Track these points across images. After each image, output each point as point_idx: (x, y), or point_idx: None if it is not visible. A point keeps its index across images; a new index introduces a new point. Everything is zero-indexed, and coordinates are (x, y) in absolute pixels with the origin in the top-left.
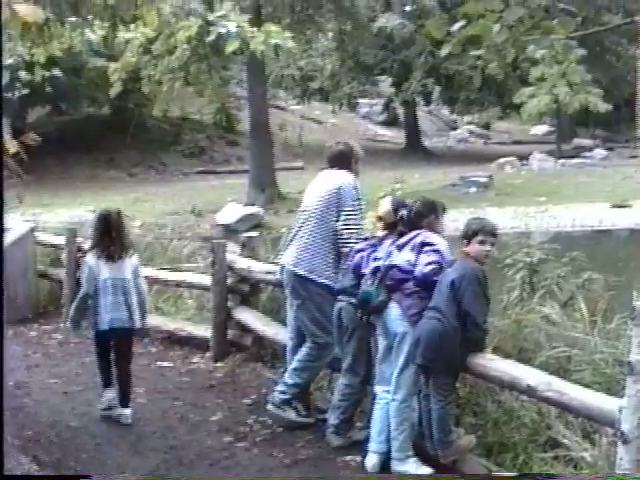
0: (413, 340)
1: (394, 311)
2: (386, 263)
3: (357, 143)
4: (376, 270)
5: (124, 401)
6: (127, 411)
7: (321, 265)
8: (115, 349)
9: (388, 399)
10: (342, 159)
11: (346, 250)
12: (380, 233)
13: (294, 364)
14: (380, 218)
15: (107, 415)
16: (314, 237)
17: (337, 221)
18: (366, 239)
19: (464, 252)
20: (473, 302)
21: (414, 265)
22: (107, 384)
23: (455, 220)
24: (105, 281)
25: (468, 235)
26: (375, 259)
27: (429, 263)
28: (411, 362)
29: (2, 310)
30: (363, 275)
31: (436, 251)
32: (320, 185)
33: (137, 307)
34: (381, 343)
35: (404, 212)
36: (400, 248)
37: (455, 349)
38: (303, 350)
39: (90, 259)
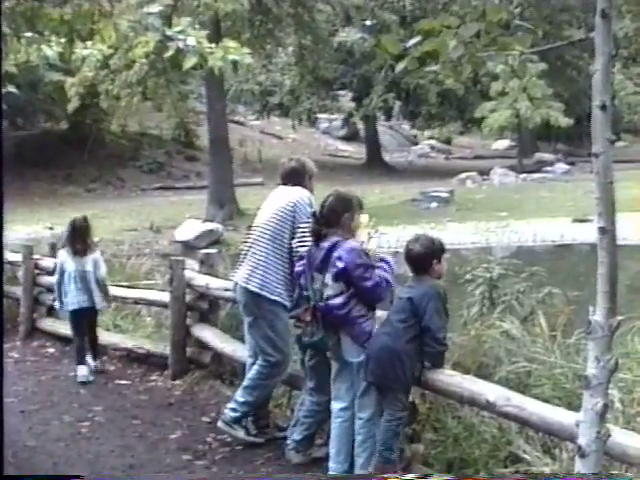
0: (365, 356)
1: (346, 344)
2: (321, 304)
3: (310, 160)
4: (313, 310)
5: (94, 356)
6: (91, 362)
7: (273, 282)
8: (85, 323)
9: (344, 417)
10: (295, 176)
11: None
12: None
13: (245, 382)
14: None
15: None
16: (266, 254)
17: (292, 238)
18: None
19: (432, 270)
20: (434, 317)
21: (343, 292)
22: (80, 361)
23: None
24: (71, 272)
25: (438, 254)
26: (301, 277)
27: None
28: (363, 380)
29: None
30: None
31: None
32: (273, 202)
33: (97, 292)
34: (334, 365)
35: (315, 211)
36: (320, 270)
37: (405, 365)
38: (254, 368)
39: (61, 255)
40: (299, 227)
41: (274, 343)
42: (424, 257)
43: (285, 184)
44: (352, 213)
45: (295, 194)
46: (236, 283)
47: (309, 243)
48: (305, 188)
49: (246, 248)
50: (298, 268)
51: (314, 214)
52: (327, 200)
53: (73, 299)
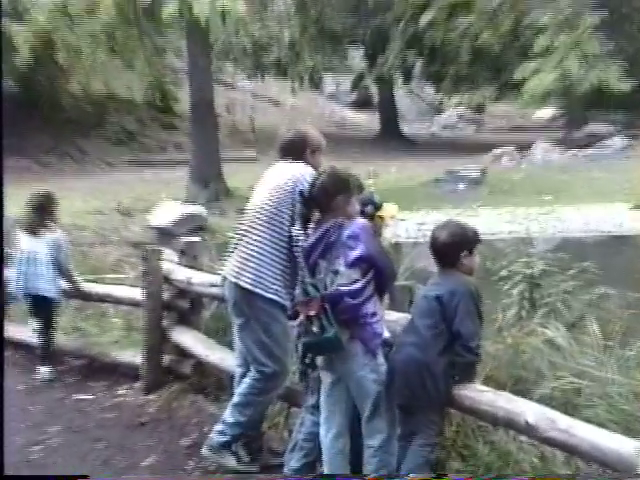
0: (386, 375)
1: (353, 349)
2: (331, 290)
3: (315, 130)
4: (321, 301)
5: (45, 362)
6: (43, 369)
7: (269, 277)
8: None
9: (339, 447)
10: (294, 150)
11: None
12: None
13: (235, 398)
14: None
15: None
16: (261, 243)
17: (291, 224)
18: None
19: (460, 264)
20: (465, 320)
21: (358, 280)
22: (42, 361)
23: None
24: (24, 253)
25: (470, 244)
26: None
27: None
28: (386, 402)
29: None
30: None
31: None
32: (270, 180)
33: (52, 278)
34: (326, 377)
35: (302, 189)
36: (324, 256)
37: (438, 380)
38: (246, 381)
39: (19, 233)
40: None
41: (269, 350)
42: (452, 247)
43: (284, 159)
44: (347, 196)
45: (296, 171)
46: (224, 277)
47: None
48: (307, 164)
49: (237, 236)
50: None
51: (301, 193)
52: (318, 178)
53: (25, 283)
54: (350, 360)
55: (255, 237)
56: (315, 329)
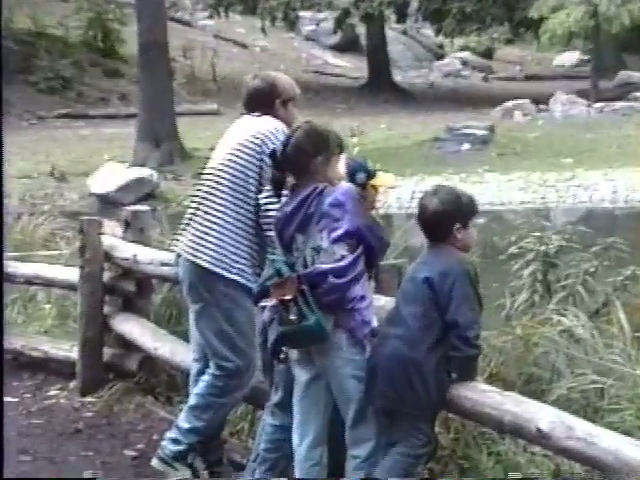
0: (366, 373)
1: (337, 341)
2: (309, 270)
3: (287, 77)
4: (298, 282)
5: None
6: None
7: (231, 254)
8: None
9: (316, 458)
10: (261, 101)
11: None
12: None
13: (192, 400)
14: None
15: None
16: (223, 214)
17: (258, 191)
18: None
19: (454, 238)
20: (462, 307)
21: (344, 257)
22: None
23: None
24: None
25: (465, 215)
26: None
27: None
28: (368, 404)
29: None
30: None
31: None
32: (233, 138)
33: None
34: (301, 374)
35: (275, 148)
36: (302, 229)
37: (428, 381)
38: (205, 379)
39: None
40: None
41: (232, 342)
42: (444, 219)
43: (250, 112)
44: (327, 156)
45: (263, 126)
46: (178, 255)
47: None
48: (276, 117)
49: (193, 205)
50: (271, 233)
51: (273, 154)
52: (292, 135)
53: None
54: (333, 354)
55: (215, 206)
56: (292, 316)
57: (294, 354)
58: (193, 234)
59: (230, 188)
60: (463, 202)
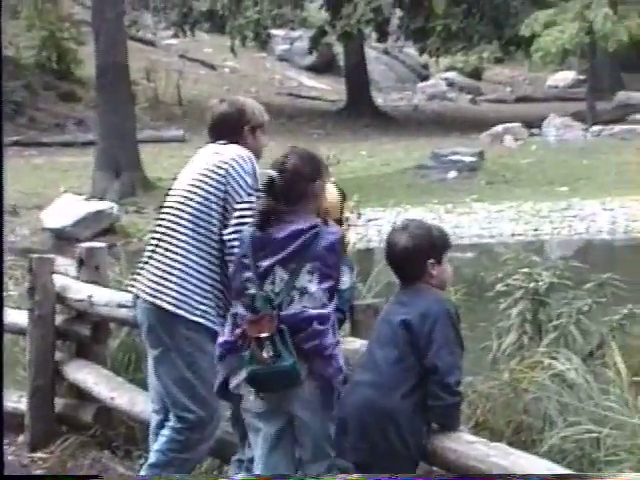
0: (337, 425)
1: (314, 390)
2: (292, 311)
3: (253, 101)
4: (278, 322)
5: None
6: None
7: (195, 295)
8: None
9: None
10: (227, 128)
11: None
12: None
13: (152, 457)
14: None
15: None
16: (185, 250)
17: (223, 226)
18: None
19: (428, 276)
20: (442, 351)
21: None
22: None
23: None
24: None
25: (438, 250)
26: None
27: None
28: (337, 458)
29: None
30: (236, 317)
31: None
32: (195, 168)
33: None
34: (269, 426)
35: (272, 175)
36: (287, 263)
37: (404, 431)
38: (165, 434)
39: None
40: (235, 208)
41: (193, 391)
42: (415, 255)
43: (215, 139)
44: (322, 181)
45: (228, 154)
46: (136, 296)
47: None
48: (244, 145)
49: (153, 242)
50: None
51: (271, 182)
52: (286, 161)
53: None
54: (306, 404)
55: (176, 242)
56: (265, 354)
57: (258, 405)
58: (153, 273)
59: (192, 222)
60: (435, 236)
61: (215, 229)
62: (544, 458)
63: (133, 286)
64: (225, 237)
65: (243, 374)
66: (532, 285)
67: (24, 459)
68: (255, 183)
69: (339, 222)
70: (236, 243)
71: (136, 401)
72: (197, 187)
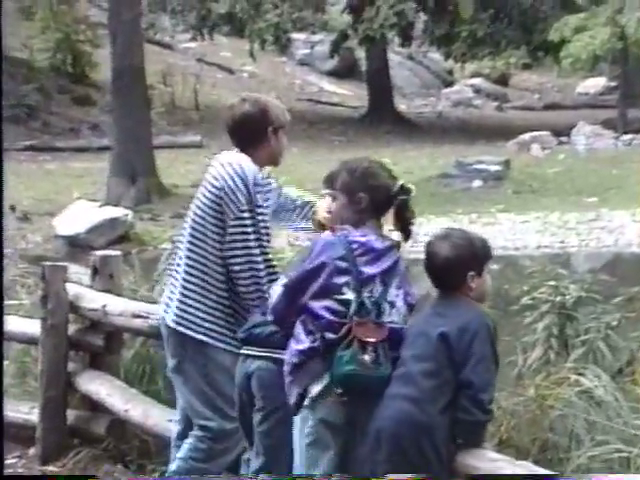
0: (371, 436)
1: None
2: (384, 320)
3: (277, 101)
4: (390, 334)
5: None
6: None
7: (196, 312)
8: None
9: None
10: (249, 129)
11: (243, 290)
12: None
13: (173, 465)
14: (322, 225)
15: None
16: (187, 266)
17: (220, 240)
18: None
19: (467, 287)
20: (479, 367)
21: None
22: None
23: None
24: None
25: (479, 261)
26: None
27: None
28: (372, 469)
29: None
30: (317, 320)
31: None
32: (204, 179)
33: None
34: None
35: (362, 195)
36: (385, 277)
37: (439, 447)
38: (188, 442)
39: None
40: (231, 222)
41: (213, 402)
42: (456, 266)
43: (237, 142)
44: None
45: (226, 165)
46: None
47: (244, 252)
48: (267, 147)
49: (173, 254)
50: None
51: (359, 200)
52: (377, 175)
53: None
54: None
55: (179, 260)
56: (368, 358)
57: (343, 417)
58: (168, 289)
59: (190, 237)
60: (477, 247)
61: (211, 244)
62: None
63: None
64: (224, 253)
65: (326, 379)
66: (559, 299)
67: (35, 472)
68: (249, 196)
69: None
70: (233, 263)
71: (150, 413)
72: (198, 201)
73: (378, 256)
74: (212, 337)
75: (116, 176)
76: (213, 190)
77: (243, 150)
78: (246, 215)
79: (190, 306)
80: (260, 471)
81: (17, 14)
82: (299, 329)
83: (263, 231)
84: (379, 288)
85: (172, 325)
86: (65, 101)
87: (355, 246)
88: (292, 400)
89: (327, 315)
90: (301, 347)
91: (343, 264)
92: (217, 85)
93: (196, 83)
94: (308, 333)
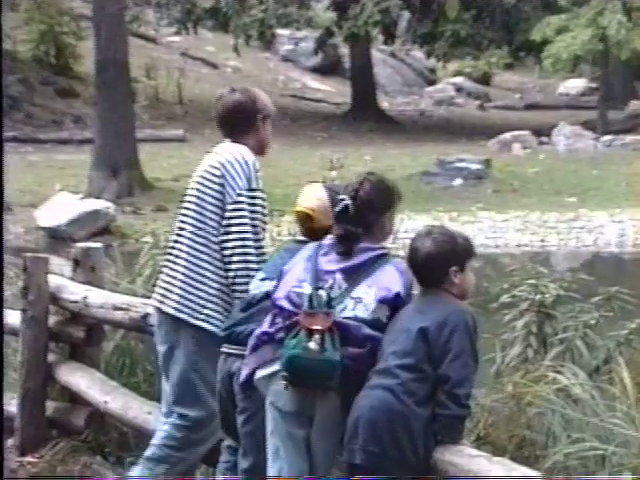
0: (349, 425)
1: (337, 399)
2: (345, 314)
3: (262, 92)
4: (342, 327)
5: None
6: None
7: (196, 299)
8: None
9: None
10: (241, 117)
11: (232, 275)
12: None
13: (148, 450)
14: (308, 216)
15: None
16: (187, 256)
17: (219, 230)
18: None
19: (450, 283)
20: (456, 362)
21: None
22: None
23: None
24: None
25: (462, 257)
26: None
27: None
28: (343, 460)
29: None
30: (280, 312)
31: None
32: (199, 171)
33: None
34: (292, 430)
35: (347, 202)
36: (348, 275)
37: (417, 439)
38: (164, 429)
39: None
40: (229, 207)
41: (196, 390)
42: (439, 262)
43: (228, 131)
44: (393, 212)
45: (225, 155)
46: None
47: (240, 241)
48: (257, 135)
49: (168, 250)
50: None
51: (344, 209)
52: (360, 187)
53: None
54: (332, 412)
55: (180, 247)
56: (313, 345)
57: (287, 404)
58: (163, 280)
59: (193, 226)
60: (459, 243)
61: (214, 232)
62: (547, 474)
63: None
64: (220, 244)
65: (276, 366)
66: (538, 297)
67: (13, 463)
68: (247, 182)
69: (328, 229)
70: (226, 252)
71: (130, 406)
72: (197, 190)
73: (344, 257)
74: (211, 323)
75: (98, 169)
76: (214, 179)
77: (234, 139)
78: (243, 199)
79: (191, 293)
80: (249, 471)
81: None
82: (267, 318)
83: (260, 217)
84: (342, 284)
85: (171, 312)
86: (48, 93)
87: (323, 248)
88: (240, 380)
89: (287, 306)
90: (258, 331)
91: (308, 263)
92: (201, 79)
93: (180, 77)
94: (272, 322)
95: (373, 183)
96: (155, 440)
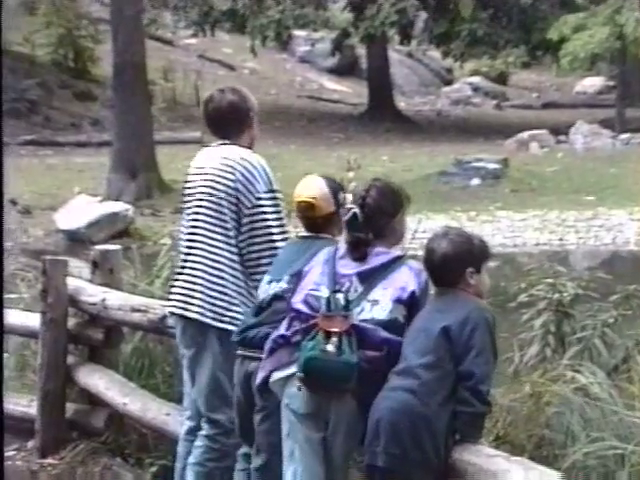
0: (369, 427)
1: (353, 403)
2: (362, 317)
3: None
4: (360, 330)
5: None
6: None
7: (219, 302)
8: None
9: None
10: (236, 116)
11: (259, 278)
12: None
13: (190, 472)
14: (310, 205)
15: None
16: (206, 261)
17: (238, 232)
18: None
19: (465, 284)
20: (479, 359)
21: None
22: None
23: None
24: None
25: (478, 259)
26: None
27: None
28: (364, 462)
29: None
30: (298, 315)
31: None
32: (206, 174)
33: None
34: (308, 432)
35: (355, 210)
36: (363, 279)
37: (438, 440)
38: (199, 445)
39: None
40: (245, 213)
41: (224, 392)
42: (455, 263)
43: (222, 131)
44: (402, 215)
45: (235, 157)
46: (171, 313)
47: (275, 238)
48: (250, 132)
49: (182, 256)
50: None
51: (354, 217)
52: (367, 194)
53: None
54: (347, 415)
55: (198, 253)
56: (330, 348)
57: (302, 406)
58: (181, 287)
59: (209, 231)
60: (475, 245)
61: (231, 234)
62: (566, 474)
63: (169, 301)
64: (240, 244)
65: (293, 369)
66: (556, 296)
67: (33, 465)
68: (270, 186)
69: (330, 217)
70: (252, 252)
71: (148, 407)
72: (210, 195)
73: (360, 260)
74: (236, 325)
75: (116, 171)
76: (228, 183)
77: (231, 139)
78: (264, 202)
79: (215, 297)
80: (262, 468)
81: (20, 9)
82: (284, 321)
83: (283, 215)
84: (359, 287)
85: (195, 317)
86: (66, 96)
87: (340, 251)
88: (257, 383)
89: (305, 309)
90: (275, 334)
91: (326, 267)
92: (218, 81)
93: (197, 79)
94: (288, 326)
95: (379, 189)
96: (193, 459)
